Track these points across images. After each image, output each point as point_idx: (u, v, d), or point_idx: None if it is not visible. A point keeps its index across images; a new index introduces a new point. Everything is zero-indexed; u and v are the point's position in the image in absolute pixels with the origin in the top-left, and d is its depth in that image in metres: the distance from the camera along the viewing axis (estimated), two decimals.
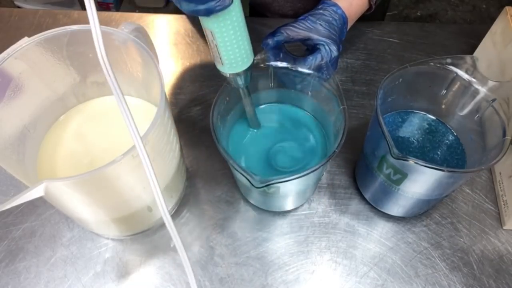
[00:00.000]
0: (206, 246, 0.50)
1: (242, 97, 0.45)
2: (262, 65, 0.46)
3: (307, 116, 0.51)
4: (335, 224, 0.52)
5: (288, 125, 0.51)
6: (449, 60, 0.45)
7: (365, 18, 0.58)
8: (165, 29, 0.71)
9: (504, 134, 0.41)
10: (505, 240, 0.51)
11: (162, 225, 0.51)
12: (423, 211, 0.52)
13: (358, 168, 0.54)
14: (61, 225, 0.51)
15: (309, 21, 0.49)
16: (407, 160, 0.38)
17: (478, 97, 0.45)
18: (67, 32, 0.43)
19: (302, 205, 0.53)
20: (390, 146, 0.39)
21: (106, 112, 0.51)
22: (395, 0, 1.84)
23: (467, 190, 0.54)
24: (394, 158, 0.39)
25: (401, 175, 0.42)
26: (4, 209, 0.31)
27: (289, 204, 0.51)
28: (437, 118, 0.51)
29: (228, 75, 0.41)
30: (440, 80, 0.47)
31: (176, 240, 0.35)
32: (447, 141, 0.50)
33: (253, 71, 0.43)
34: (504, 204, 0.52)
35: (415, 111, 0.52)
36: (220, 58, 0.39)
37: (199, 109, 0.61)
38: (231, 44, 0.38)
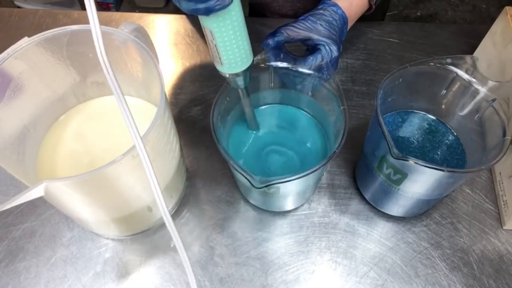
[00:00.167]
0: (206, 246, 0.50)
1: (241, 98, 0.45)
2: (262, 65, 0.46)
3: (307, 117, 0.51)
4: (335, 224, 0.52)
5: (288, 125, 0.51)
6: (449, 60, 0.45)
7: (365, 18, 0.58)
8: (165, 29, 0.71)
9: (504, 134, 0.41)
10: (505, 240, 0.51)
11: (162, 225, 0.51)
12: (423, 211, 0.52)
13: (358, 168, 0.54)
14: (61, 225, 0.51)
15: (309, 21, 0.49)
16: (407, 160, 0.38)
17: (478, 97, 0.45)
18: (67, 32, 0.43)
19: (302, 205, 0.53)
20: (390, 146, 0.39)
21: (106, 112, 0.51)
22: (395, 0, 1.84)
23: (467, 190, 0.54)
24: (394, 158, 0.39)
25: (401, 175, 0.42)
26: (4, 209, 0.31)
27: (289, 204, 0.51)
28: (437, 118, 0.51)
29: (227, 75, 0.41)
30: (440, 80, 0.47)
31: (176, 240, 0.35)
32: (447, 141, 0.50)
33: (253, 71, 0.43)
34: (504, 204, 0.52)
35: (415, 111, 0.52)
36: (219, 58, 0.39)
37: (199, 109, 0.61)
38: (231, 44, 0.38)
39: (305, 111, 0.52)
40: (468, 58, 0.45)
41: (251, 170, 0.38)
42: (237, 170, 0.39)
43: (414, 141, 0.50)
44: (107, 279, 0.48)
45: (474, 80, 0.45)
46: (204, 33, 0.38)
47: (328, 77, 0.46)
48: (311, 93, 0.48)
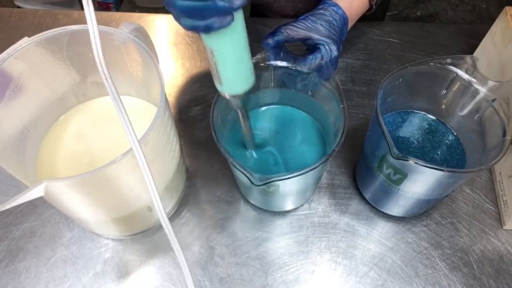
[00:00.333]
0: (206, 246, 0.50)
1: (239, 119, 0.43)
2: (262, 64, 0.46)
3: (307, 117, 0.51)
4: (335, 224, 0.52)
5: (288, 125, 0.51)
6: (449, 60, 0.45)
7: (365, 18, 0.58)
8: (165, 29, 0.71)
9: (504, 134, 0.41)
10: (505, 240, 0.51)
11: (162, 225, 0.51)
12: (423, 211, 0.52)
13: (358, 168, 0.54)
14: (61, 225, 0.51)
15: (309, 21, 0.49)
16: (407, 160, 0.38)
17: (478, 97, 0.45)
18: (67, 32, 0.43)
19: (302, 205, 0.53)
20: (390, 146, 0.39)
21: (106, 112, 0.51)
22: (395, 0, 1.84)
23: (467, 190, 0.54)
24: (394, 158, 0.39)
25: (401, 175, 0.42)
26: (4, 209, 0.31)
27: (289, 204, 0.51)
28: (437, 118, 0.51)
29: (226, 96, 0.40)
30: (440, 80, 0.47)
31: (174, 242, 0.35)
32: (447, 141, 0.50)
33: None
34: (504, 204, 0.52)
35: (415, 111, 0.52)
36: (219, 77, 0.38)
37: (199, 109, 0.61)
38: (231, 64, 0.36)
39: (305, 110, 0.52)
40: (468, 58, 0.45)
41: (251, 169, 0.38)
42: (236, 168, 0.39)
43: (414, 141, 0.50)
44: (107, 279, 0.48)
45: (474, 80, 0.45)
46: (205, 50, 0.37)
47: (328, 76, 0.46)
48: (311, 92, 0.48)
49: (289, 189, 0.46)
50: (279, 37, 0.48)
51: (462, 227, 0.52)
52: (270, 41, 0.48)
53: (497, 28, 0.57)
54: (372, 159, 0.46)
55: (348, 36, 0.54)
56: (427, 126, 0.51)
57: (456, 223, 0.52)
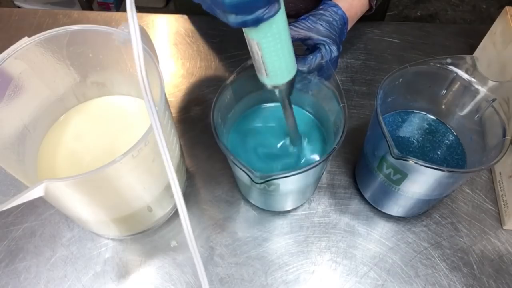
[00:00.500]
0: (206, 246, 0.50)
1: (283, 109, 0.43)
2: None
3: (307, 116, 0.51)
4: (335, 224, 0.52)
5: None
6: (449, 60, 0.45)
7: (365, 18, 0.58)
8: (165, 29, 0.71)
9: (504, 134, 0.41)
10: (505, 240, 0.51)
11: (162, 225, 0.51)
12: (423, 211, 0.52)
13: (358, 168, 0.54)
14: (61, 225, 0.51)
15: (309, 21, 0.49)
16: (407, 160, 0.38)
17: (478, 97, 0.45)
18: (67, 32, 0.43)
19: (302, 205, 0.53)
20: (390, 146, 0.39)
21: (106, 112, 0.51)
22: (395, 0, 1.84)
23: (467, 190, 0.54)
24: (394, 158, 0.39)
25: (401, 175, 0.42)
26: (4, 209, 0.31)
27: (289, 204, 0.51)
28: (437, 118, 0.51)
29: (270, 87, 0.40)
30: (440, 80, 0.47)
31: (186, 224, 0.34)
32: (447, 141, 0.50)
33: (254, 70, 0.43)
34: (504, 204, 0.52)
35: (415, 111, 0.52)
36: (265, 70, 0.38)
37: (199, 109, 0.61)
38: (277, 55, 0.36)
39: (305, 110, 0.52)
40: (468, 58, 0.45)
41: (251, 167, 0.38)
42: (237, 166, 0.39)
43: (414, 141, 0.50)
44: (107, 279, 0.48)
45: (474, 80, 0.45)
46: (248, 45, 0.37)
47: (328, 76, 0.46)
48: (311, 92, 0.48)
49: (290, 188, 0.46)
50: None
51: (462, 227, 0.52)
52: None
53: (497, 28, 0.57)
54: (372, 159, 0.46)
55: (348, 36, 0.54)
56: (427, 126, 0.51)
57: (456, 223, 0.52)
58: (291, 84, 0.40)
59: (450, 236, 0.51)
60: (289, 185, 0.45)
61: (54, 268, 0.48)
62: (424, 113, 0.52)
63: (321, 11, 0.51)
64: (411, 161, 0.38)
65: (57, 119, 0.50)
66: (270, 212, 0.52)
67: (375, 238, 0.51)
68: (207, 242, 0.50)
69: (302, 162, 0.48)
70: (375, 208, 0.52)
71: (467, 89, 0.45)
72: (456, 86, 0.46)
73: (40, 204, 0.52)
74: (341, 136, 0.40)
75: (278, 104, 0.52)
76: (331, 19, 0.50)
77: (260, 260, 0.49)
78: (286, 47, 0.37)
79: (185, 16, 0.72)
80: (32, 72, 0.44)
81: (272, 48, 0.36)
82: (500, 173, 0.54)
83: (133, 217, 0.46)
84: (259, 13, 0.32)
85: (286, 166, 0.47)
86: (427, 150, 0.49)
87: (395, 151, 0.39)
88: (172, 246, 0.50)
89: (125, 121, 0.50)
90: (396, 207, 0.49)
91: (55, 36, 0.43)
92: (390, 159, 0.41)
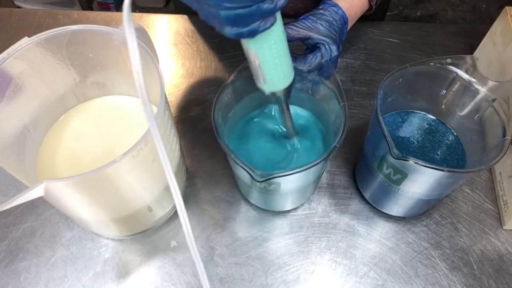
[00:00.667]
0: (206, 246, 0.50)
1: (281, 112, 0.44)
2: None
3: (308, 115, 0.51)
4: (335, 224, 0.52)
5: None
6: (449, 60, 0.45)
7: (365, 18, 0.58)
8: (165, 29, 0.71)
9: (504, 134, 0.41)
10: (505, 240, 0.51)
11: (162, 225, 0.51)
12: (423, 211, 0.52)
13: (358, 168, 0.54)
14: (61, 225, 0.51)
15: (309, 21, 0.49)
16: (407, 160, 0.38)
17: (478, 97, 0.45)
18: (67, 32, 0.43)
19: (302, 205, 0.53)
20: (390, 146, 0.39)
21: (106, 112, 0.51)
22: (395, 0, 1.84)
23: (467, 190, 0.54)
24: (394, 158, 0.39)
25: (401, 175, 0.42)
26: (4, 209, 0.31)
27: (289, 204, 0.51)
28: (437, 118, 0.51)
29: (268, 93, 0.40)
30: (440, 80, 0.47)
31: (185, 223, 0.34)
32: (447, 141, 0.50)
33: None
34: (504, 204, 0.52)
35: (415, 111, 0.52)
36: (263, 77, 0.38)
37: (199, 109, 0.61)
38: (274, 63, 0.37)
39: (305, 109, 0.52)
40: (468, 58, 0.45)
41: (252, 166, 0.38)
42: (238, 164, 0.39)
43: (414, 141, 0.50)
44: (107, 279, 0.48)
45: (474, 80, 0.45)
46: (245, 53, 0.37)
47: (328, 75, 0.46)
48: (311, 91, 0.48)
49: (290, 187, 0.46)
50: None
51: (462, 227, 0.52)
52: None
53: (497, 28, 0.57)
54: (372, 159, 0.46)
55: (348, 36, 0.54)
56: (427, 126, 0.51)
57: (456, 223, 0.52)
58: (288, 90, 0.41)
59: (450, 236, 0.51)
60: (290, 184, 0.45)
61: (54, 268, 0.48)
62: (424, 113, 0.52)
63: (321, 11, 0.51)
64: (411, 161, 0.38)
65: (57, 119, 0.50)
66: (270, 212, 0.52)
67: (375, 238, 0.51)
68: (207, 242, 0.50)
69: (303, 161, 0.48)
70: (375, 208, 0.52)
71: (467, 89, 0.45)
72: (456, 86, 0.46)
73: (40, 204, 0.52)
74: (342, 135, 0.40)
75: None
76: (331, 19, 0.50)
77: (260, 260, 0.49)
78: (283, 55, 0.37)
79: (185, 16, 0.72)
80: (32, 72, 0.44)
81: (269, 57, 0.36)
82: (500, 173, 0.54)
83: (133, 217, 0.46)
84: (254, 25, 0.32)
85: (287, 165, 0.47)
86: (427, 150, 0.49)
87: (395, 151, 0.39)
88: (172, 246, 0.50)
89: (125, 121, 0.50)
90: (396, 207, 0.49)
91: (55, 36, 0.43)
92: (390, 159, 0.41)
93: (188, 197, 0.53)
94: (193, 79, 0.64)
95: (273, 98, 0.41)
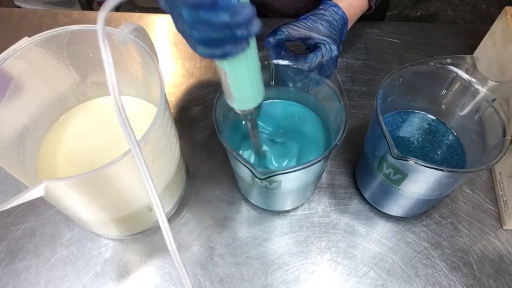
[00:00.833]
0: (206, 246, 0.50)
1: (249, 130, 0.44)
2: (266, 62, 0.46)
3: (309, 113, 0.51)
4: (335, 224, 0.52)
5: (290, 123, 0.51)
6: (449, 60, 0.45)
7: (365, 18, 0.58)
8: (165, 29, 0.71)
9: (504, 134, 0.41)
10: (505, 240, 0.51)
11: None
12: (423, 211, 0.52)
13: (358, 168, 0.54)
14: (61, 225, 0.51)
15: (310, 21, 0.49)
16: (407, 160, 0.38)
17: (478, 97, 0.45)
18: (67, 32, 0.43)
19: (302, 205, 0.53)
20: (390, 146, 0.39)
21: (106, 112, 0.51)
22: (395, 0, 1.84)
23: (467, 190, 0.54)
24: (394, 158, 0.39)
25: (401, 175, 0.42)
26: (4, 209, 0.31)
27: (289, 204, 0.51)
28: (437, 118, 0.51)
29: (238, 111, 0.41)
30: (440, 80, 0.47)
31: (170, 242, 0.35)
32: (447, 141, 0.50)
33: None
34: (504, 204, 0.52)
35: (415, 111, 0.52)
36: (232, 96, 0.39)
37: (199, 109, 0.61)
38: (244, 84, 0.37)
39: (306, 107, 0.52)
40: (468, 58, 0.45)
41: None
42: (239, 162, 0.39)
43: (414, 141, 0.50)
44: (107, 279, 0.48)
45: (474, 80, 0.45)
46: (217, 70, 0.38)
47: (329, 74, 0.46)
48: (312, 91, 0.48)
49: (291, 186, 0.46)
50: (280, 35, 0.48)
51: (462, 227, 0.52)
52: (272, 39, 0.48)
53: (497, 28, 0.57)
54: (372, 159, 0.46)
55: (348, 36, 0.54)
56: (427, 126, 0.51)
57: (456, 223, 0.52)
58: (257, 109, 0.41)
59: (450, 236, 0.51)
60: (291, 183, 0.45)
61: (54, 268, 0.48)
62: (424, 113, 0.52)
63: (322, 11, 0.51)
64: (411, 161, 0.38)
65: (57, 119, 0.50)
66: (270, 212, 0.52)
67: (375, 238, 0.51)
68: (207, 242, 0.50)
69: (304, 160, 0.48)
70: (375, 208, 0.52)
71: (467, 89, 0.45)
72: (456, 86, 0.46)
73: (40, 204, 0.52)
74: (343, 133, 0.40)
75: (279, 101, 0.52)
76: (331, 19, 0.50)
77: (260, 260, 0.49)
78: (254, 77, 0.37)
79: None
80: (32, 72, 0.44)
81: (239, 77, 0.37)
82: (500, 173, 0.54)
83: (133, 217, 0.46)
84: (226, 49, 0.32)
85: (287, 164, 0.47)
86: (427, 150, 0.49)
87: (395, 151, 0.39)
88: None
89: None
90: (396, 207, 0.49)
91: (55, 36, 0.43)
92: (390, 159, 0.41)
93: (188, 197, 0.53)
94: (193, 79, 0.64)
95: (242, 116, 0.42)
